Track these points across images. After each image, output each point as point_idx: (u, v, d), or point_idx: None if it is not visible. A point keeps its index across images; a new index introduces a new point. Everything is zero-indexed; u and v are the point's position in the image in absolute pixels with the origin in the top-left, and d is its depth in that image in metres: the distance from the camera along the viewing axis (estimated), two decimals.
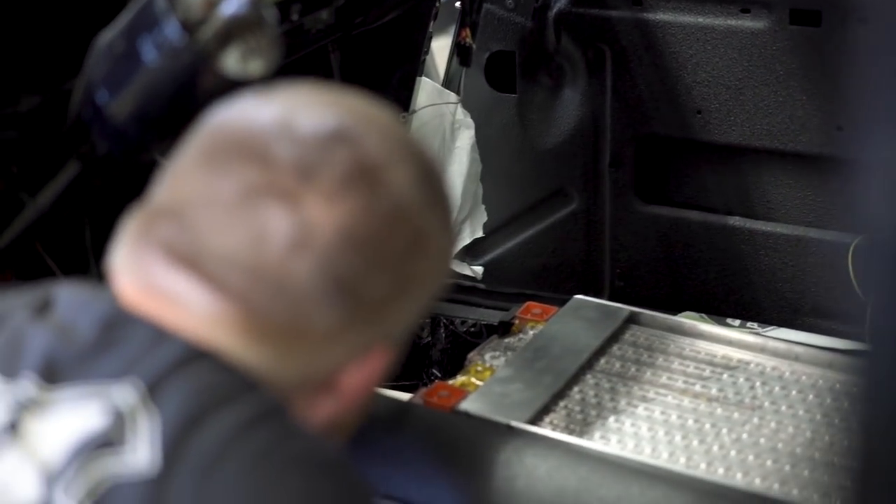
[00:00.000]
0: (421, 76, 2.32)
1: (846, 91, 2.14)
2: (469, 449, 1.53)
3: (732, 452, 1.59)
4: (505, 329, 2.11)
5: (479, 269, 2.54)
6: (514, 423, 1.62)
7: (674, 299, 2.34)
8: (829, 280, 2.18)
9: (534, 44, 2.42)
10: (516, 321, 2.06)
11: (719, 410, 1.70)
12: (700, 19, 2.23)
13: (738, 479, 1.52)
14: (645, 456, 1.56)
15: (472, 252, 2.66)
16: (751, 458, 1.58)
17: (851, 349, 2.02)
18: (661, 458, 1.56)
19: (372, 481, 1.52)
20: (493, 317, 2.14)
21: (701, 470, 1.53)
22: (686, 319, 1.94)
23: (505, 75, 2.50)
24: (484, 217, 2.49)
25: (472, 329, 2.22)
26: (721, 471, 1.54)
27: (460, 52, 2.23)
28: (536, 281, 2.58)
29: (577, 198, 2.51)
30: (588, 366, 1.84)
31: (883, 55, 0.68)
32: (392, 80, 2.31)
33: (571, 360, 1.83)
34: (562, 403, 1.73)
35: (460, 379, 1.84)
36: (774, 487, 1.52)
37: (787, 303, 2.29)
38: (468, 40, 2.20)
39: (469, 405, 1.69)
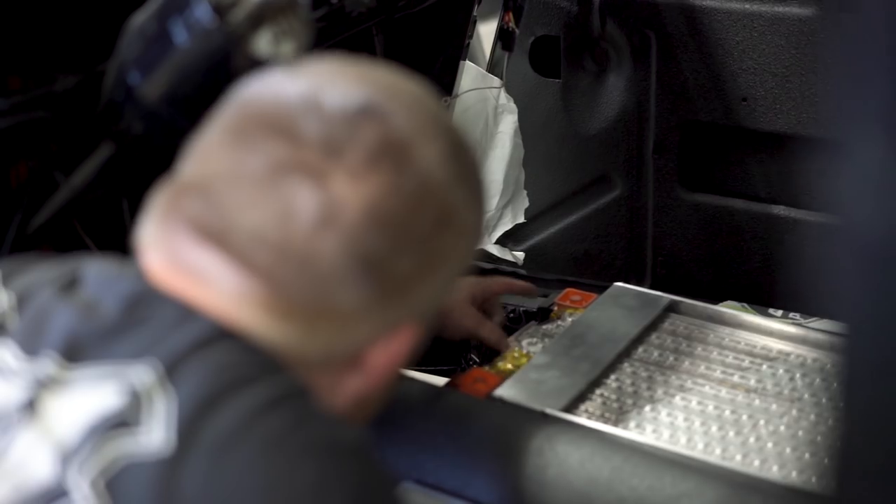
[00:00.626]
0: (465, 60, 2.30)
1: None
2: (501, 436, 1.52)
3: (769, 444, 1.56)
4: (544, 315, 2.10)
5: (520, 255, 2.52)
6: (549, 411, 1.60)
7: (716, 288, 2.32)
8: None
9: (579, 28, 2.40)
10: (555, 308, 2.04)
11: (757, 402, 1.67)
12: (747, 6, 2.20)
13: (774, 472, 1.50)
14: (680, 446, 1.54)
15: (514, 237, 2.64)
16: (788, 450, 1.55)
17: None
18: (697, 448, 1.54)
19: (402, 466, 1.52)
20: (533, 303, 2.12)
21: (736, 462, 1.51)
22: (727, 309, 1.91)
23: (550, 60, 2.48)
24: (526, 202, 2.47)
25: (511, 315, 2.20)
26: (757, 463, 1.52)
27: (503, 36, 2.21)
28: (578, 267, 2.56)
29: (620, 184, 2.48)
30: (626, 354, 1.82)
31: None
32: (436, 64, 2.30)
33: (609, 348, 1.81)
34: (598, 391, 1.72)
35: (497, 365, 1.83)
36: (812, 480, 1.49)
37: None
38: (511, 25, 2.18)
39: (504, 391, 1.68)
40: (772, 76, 2.21)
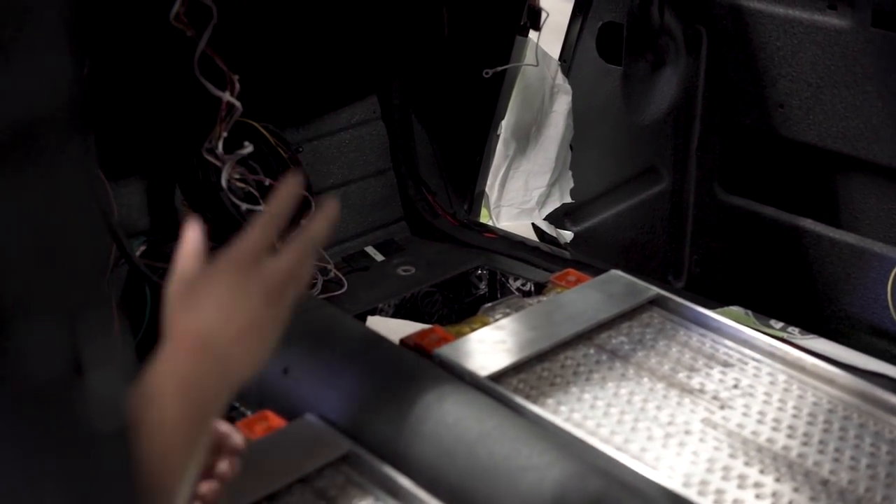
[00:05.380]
0: (525, 36, 2.35)
1: None
2: (404, 386, 1.59)
3: (671, 442, 1.58)
4: (537, 290, 2.15)
5: (567, 234, 2.56)
6: (475, 374, 1.67)
7: (739, 292, 2.29)
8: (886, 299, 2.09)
9: (640, 18, 2.40)
10: (549, 284, 2.09)
11: (687, 401, 1.68)
12: (789, 11, 2.15)
13: (650, 470, 1.49)
14: (581, 430, 1.57)
15: (571, 217, 2.68)
16: (681, 451, 1.56)
17: (877, 372, 1.94)
18: (597, 434, 1.57)
19: (312, 399, 1.61)
20: (545, 277, 2.17)
21: (623, 453, 1.53)
22: (711, 312, 1.91)
23: (615, 46, 2.49)
24: (571, 182, 2.50)
25: (523, 286, 2.26)
26: (649, 457, 1.53)
27: (530, 15, 2.25)
28: (625, 255, 2.57)
29: (667, 177, 2.48)
30: (587, 337, 1.85)
31: None
32: (492, 35, 2.36)
33: (568, 327, 1.84)
34: (541, 365, 1.76)
35: (459, 326, 1.89)
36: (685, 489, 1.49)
37: (846, 315, 2.20)
38: (537, 5, 2.22)
39: (445, 350, 1.74)
40: (807, 86, 2.16)
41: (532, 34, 2.33)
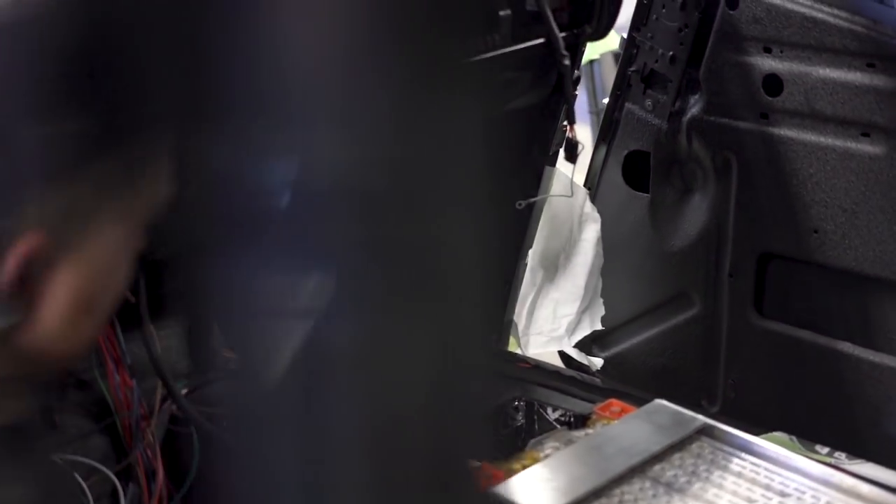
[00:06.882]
0: (553, 167, 2.37)
1: None
2: None
3: None
4: (580, 422, 2.13)
5: (597, 361, 2.55)
6: None
7: (780, 417, 2.29)
8: None
9: (668, 146, 2.44)
10: (593, 416, 2.07)
11: None
12: (822, 139, 2.19)
13: None
14: None
15: (599, 343, 2.67)
16: None
17: None
18: None
19: None
20: (586, 408, 2.15)
21: None
22: (759, 440, 1.90)
23: (641, 174, 2.52)
24: (602, 310, 2.51)
25: (562, 417, 2.24)
26: None
27: (567, 147, 2.28)
28: (655, 380, 2.56)
29: (698, 303, 2.49)
30: (640, 469, 1.83)
31: None
32: (521, 165, 2.38)
33: (622, 461, 1.83)
34: (599, 502, 1.74)
35: (509, 463, 1.87)
36: None
37: (889, 439, 2.19)
38: (574, 136, 2.25)
39: (499, 490, 1.72)
40: (841, 211, 2.19)
41: (565, 164, 2.35)
